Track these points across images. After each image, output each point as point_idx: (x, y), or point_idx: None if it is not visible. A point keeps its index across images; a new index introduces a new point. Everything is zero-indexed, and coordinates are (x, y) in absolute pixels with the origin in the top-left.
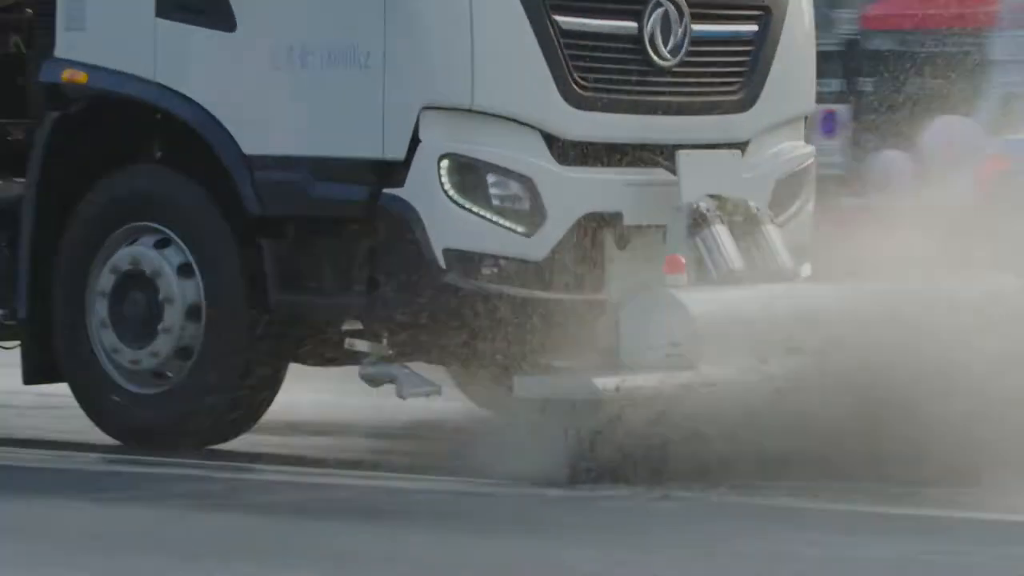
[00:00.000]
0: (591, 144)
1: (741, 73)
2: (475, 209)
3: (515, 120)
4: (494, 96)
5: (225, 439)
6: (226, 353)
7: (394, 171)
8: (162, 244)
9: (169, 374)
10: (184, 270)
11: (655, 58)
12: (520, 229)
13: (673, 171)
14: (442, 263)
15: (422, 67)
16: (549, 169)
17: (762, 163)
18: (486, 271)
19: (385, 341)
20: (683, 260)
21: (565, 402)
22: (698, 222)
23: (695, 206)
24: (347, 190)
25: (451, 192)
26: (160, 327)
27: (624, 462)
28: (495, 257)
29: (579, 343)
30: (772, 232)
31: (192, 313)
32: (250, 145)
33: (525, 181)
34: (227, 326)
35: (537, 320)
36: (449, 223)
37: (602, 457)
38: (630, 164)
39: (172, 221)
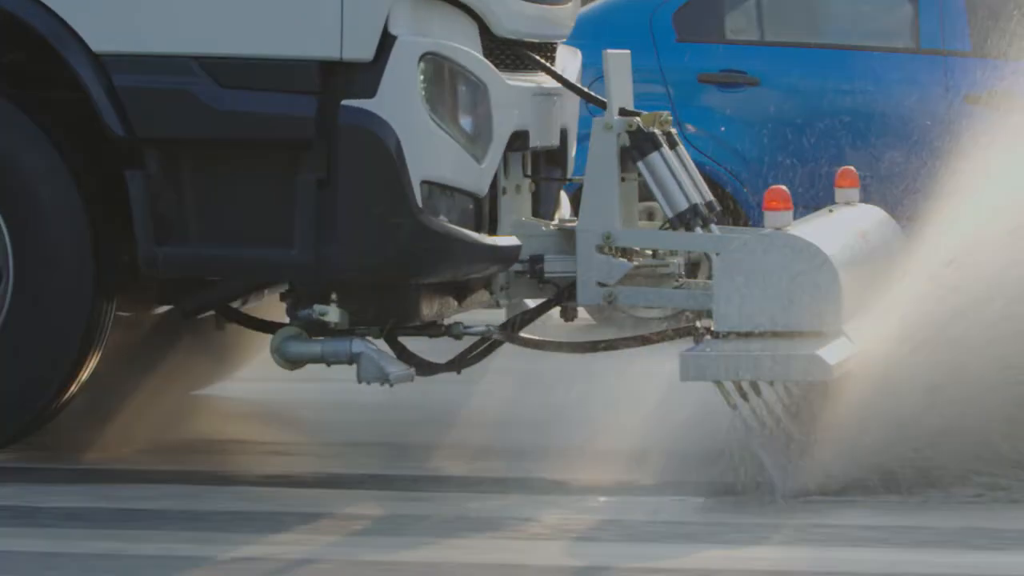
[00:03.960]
0: (506, 42)
1: None
2: (445, 127)
3: (462, 7)
4: None
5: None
6: (51, 341)
7: (358, 76)
8: None
9: None
10: None
11: None
12: (475, 153)
13: (563, 79)
14: (419, 199)
15: None
16: (497, 74)
17: None
18: (449, 210)
19: (335, 306)
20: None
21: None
22: (639, 143)
23: (631, 123)
24: (281, 102)
25: (427, 105)
26: None
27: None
28: (454, 190)
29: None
30: (687, 156)
31: None
32: (103, 40)
33: (481, 90)
34: (54, 305)
35: (479, 271)
36: (427, 147)
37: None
38: (526, 69)
39: None
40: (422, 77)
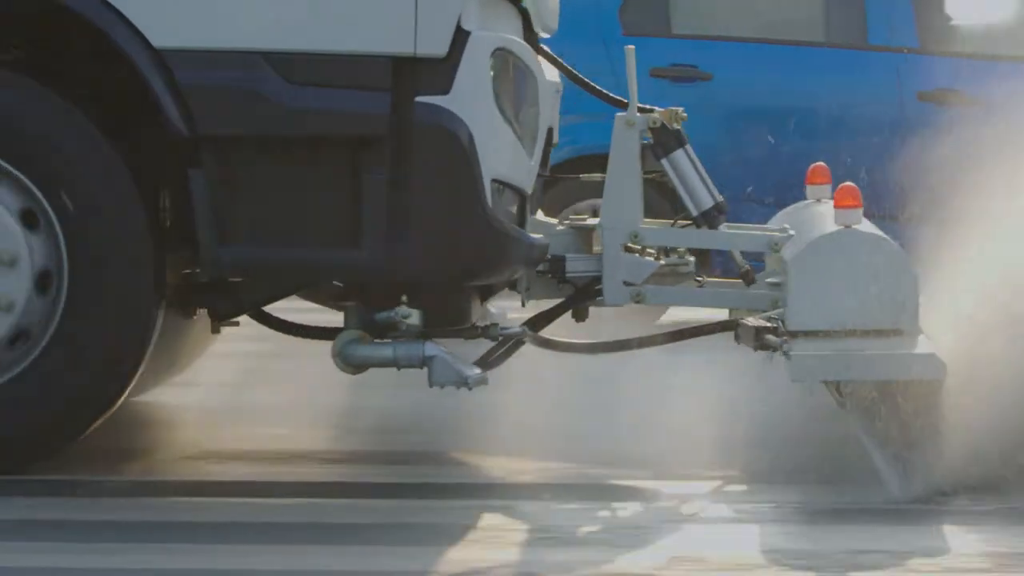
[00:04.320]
0: (535, 38)
1: None
2: (509, 123)
3: (513, 2)
4: None
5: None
6: (112, 341)
7: (431, 72)
8: None
9: None
10: (28, 218)
11: None
12: (528, 149)
13: (576, 76)
14: (489, 199)
15: None
16: (543, 70)
17: None
18: (500, 207)
19: (405, 307)
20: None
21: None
22: (664, 140)
23: (654, 119)
24: (353, 99)
25: (496, 101)
26: None
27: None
28: (508, 187)
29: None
30: (693, 153)
31: (41, 282)
32: (164, 35)
33: (534, 85)
34: (112, 308)
35: (521, 271)
36: (496, 144)
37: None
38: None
39: (11, 149)
40: (492, 73)
